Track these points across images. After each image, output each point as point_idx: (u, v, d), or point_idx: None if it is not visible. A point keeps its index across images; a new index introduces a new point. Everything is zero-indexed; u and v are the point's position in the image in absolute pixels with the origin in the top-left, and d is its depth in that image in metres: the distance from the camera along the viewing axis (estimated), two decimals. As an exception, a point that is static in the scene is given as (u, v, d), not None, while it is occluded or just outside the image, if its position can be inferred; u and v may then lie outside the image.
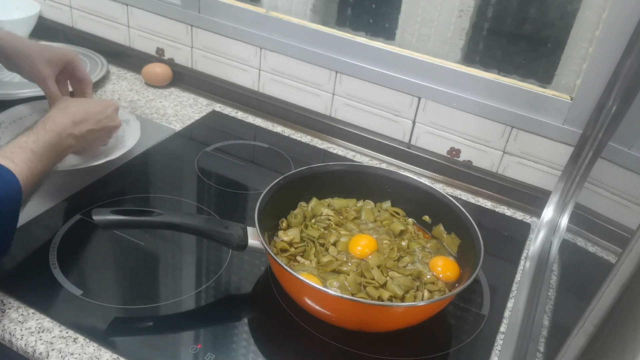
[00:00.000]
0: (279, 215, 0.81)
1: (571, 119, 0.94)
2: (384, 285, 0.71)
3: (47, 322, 0.66)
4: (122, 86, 1.21)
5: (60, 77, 0.90)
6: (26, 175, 0.69)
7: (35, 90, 1.09)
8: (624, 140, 0.85)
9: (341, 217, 0.83)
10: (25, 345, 0.63)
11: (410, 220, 0.85)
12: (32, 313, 0.67)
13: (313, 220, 0.81)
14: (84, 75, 0.92)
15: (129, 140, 0.95)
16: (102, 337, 0.65)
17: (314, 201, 0.84)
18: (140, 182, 0.93)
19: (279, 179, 0.79)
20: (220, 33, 1.17)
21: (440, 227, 0.82)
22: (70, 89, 0.94)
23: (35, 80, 0.88)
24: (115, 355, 0.63)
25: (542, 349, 0.71)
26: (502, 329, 0.75)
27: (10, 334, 0.64)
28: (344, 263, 0.74)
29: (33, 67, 0.86)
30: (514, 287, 0.82)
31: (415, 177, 0.85)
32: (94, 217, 0.69)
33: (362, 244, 0.77)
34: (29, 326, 0.65)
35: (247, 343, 0.67)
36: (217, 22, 1.16)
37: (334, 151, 1.09)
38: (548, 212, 0.94)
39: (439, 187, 0.96)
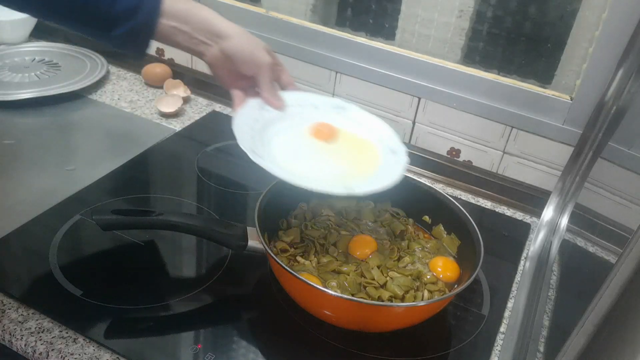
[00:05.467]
0: (279, 215, 0.81)
1: (571, 119, 0.94)
2: (383, 286, 0.71)
3: (47, 322, 0.66)
4: (122, 86, 1.21)
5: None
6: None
7: (35, 91, 1.09)
8: (624, 140, 0.85)
9: (341, 217, 0.83)
10: (25, 345, 0.63)
11: (410, 220, 0.85)
12: (32, 313, 0.67)
13: (313, 221, 0.81)
14: None
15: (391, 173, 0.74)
16: (102, 337, 0.64)
17: (314, 201, 0.84)
18: (140, 182, 0.93)
19: (279, 179, 0.79)
20: (220, 33, 1.17)
21: (440, 227, 0.82)
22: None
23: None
24: (115, 355, 0.63)
25: (542, 349, 0.71)
26: (502, 329, 0.75)
27: (10, 334, 0.64)
28: (344, 263, 0.74)
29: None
30: (514, 287, 0.82)
31: (415, 177, 0.85)
32: (94, 217, 0.69)
33: (362, 244, 0.77)
34: (29, 326, 0.65)
35: (247, 343, 0.67)
36: (217, 22, 1.16)
37: (334, 151, 1.09)
38: (548, 212, 0.94)
39: (439, 187, 0.96)
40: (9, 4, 0.67)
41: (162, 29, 0.70)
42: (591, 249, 0.82)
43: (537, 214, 0.97)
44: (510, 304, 0.79)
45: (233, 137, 1.08)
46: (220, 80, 0.77)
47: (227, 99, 1.20)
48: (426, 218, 0.85)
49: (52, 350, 0.63)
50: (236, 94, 0.77)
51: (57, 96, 1.10)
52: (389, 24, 1.06)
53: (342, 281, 0.71)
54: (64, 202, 0.84)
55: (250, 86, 0.77)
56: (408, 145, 1.09)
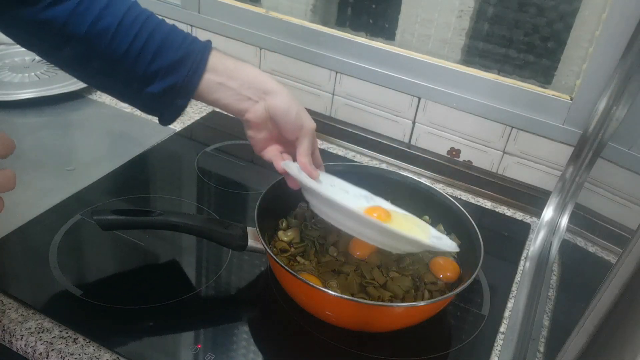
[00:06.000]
0: (279, 215, 0.81)
1: (571, 119, 0.94)
2: (384, 286, 0.71)
3: (47, 322, 0.66)
4: (122, 86, 1.21)
5: None
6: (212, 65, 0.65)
7: (35, 91, 1.09)
8: (624, 140, 0.85)
9: (341, 217, 0.83)
10: (25, 345, 0.63)
11: (410, 220, 0.85)
12: (32, 313, 0.67)
13: (313, 220, 0.81)
14: None
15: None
16: (102, 337, 0.64)
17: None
18: (140, 182, 0.93)
19: (279, 179, 0.79)
20: (220, 33, 1.17)
21: (440, 227, 0.82)
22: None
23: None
24: (115, 356, 0.63)
25: (542, 349, 0.71)
26: (502, 329, 0.75)
27: (10, 334, 0.64)
28: (344, 263, 0.74)
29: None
30: (514, 287, 0.82)
31: (415, 177, 0.85)
32: (94, 217, 0.69)
33: (362, 244, 0.76)
34: (29, 326, 0.65)
35: (247, 343, 0.67)
36: (217, 22, 1.16)
37: (334, 151, 1.09)
38: (548, 212, 0.94)
39: (439, 187, 0.96)
40: (52, 61, 0.66)
41: (206, 85, 0.65)
42: (591, 249, 0.82)
43: (537, 214, 0.97)
44: (510, 304, 0.79)
45: (233, 137, 1.09)
46: (255, 141, 0.71)
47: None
48: (426, 218, 0.84)
49: (52, 350, 0.63)
50: (273, 153, 0.72)
51: (57, 96, 1.10)
52: (389, 24, 1.06)
53: (342, 281, 0.71)
54: (64, 202, 0.84)
55: (282, 153, 0.73)
56: (408, 145, 1.09)
